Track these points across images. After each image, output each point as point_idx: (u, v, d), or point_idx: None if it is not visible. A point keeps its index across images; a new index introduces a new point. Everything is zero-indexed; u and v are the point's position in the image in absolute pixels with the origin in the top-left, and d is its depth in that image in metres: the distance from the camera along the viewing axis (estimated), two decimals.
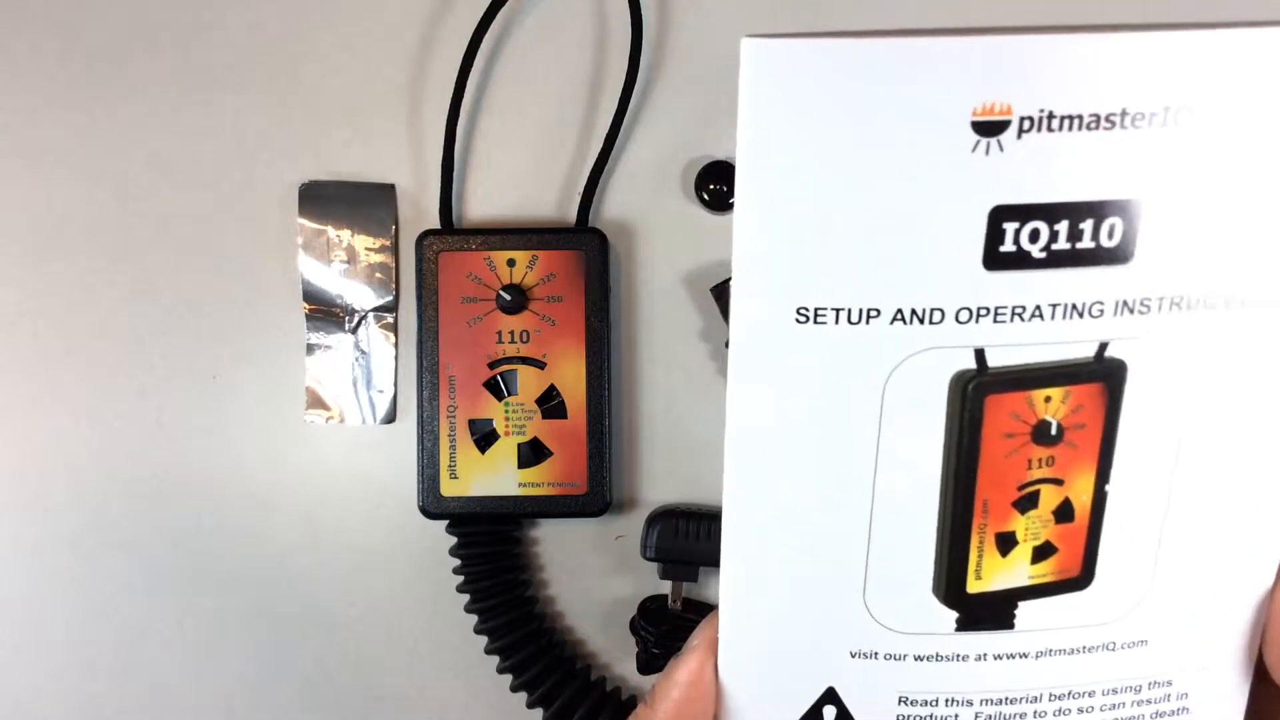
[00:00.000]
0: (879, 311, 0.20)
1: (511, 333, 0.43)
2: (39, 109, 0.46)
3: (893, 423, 0.21)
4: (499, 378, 0.43)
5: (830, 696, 0.23)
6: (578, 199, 0.45)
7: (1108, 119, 0.18)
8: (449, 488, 0.43)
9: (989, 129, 0.18)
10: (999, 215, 0.19)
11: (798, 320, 0.20)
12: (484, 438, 0.43)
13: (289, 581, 0.46)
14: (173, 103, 0.46)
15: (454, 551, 0.44)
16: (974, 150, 0.18)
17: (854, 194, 0.19)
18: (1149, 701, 0.23)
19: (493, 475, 0.43)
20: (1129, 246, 0.19)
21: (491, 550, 0.44)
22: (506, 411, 0.43)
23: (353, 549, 0.46)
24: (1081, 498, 0.22)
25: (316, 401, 0.46)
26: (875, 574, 0.22)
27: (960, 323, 0.20)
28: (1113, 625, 0.23)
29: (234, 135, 0.46)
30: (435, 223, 0.44)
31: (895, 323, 0.20)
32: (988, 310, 0.20)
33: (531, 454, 0.43)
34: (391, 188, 0.46)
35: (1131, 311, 0.20)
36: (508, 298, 0.42)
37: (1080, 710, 0.23)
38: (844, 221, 0.19)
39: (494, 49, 0.45)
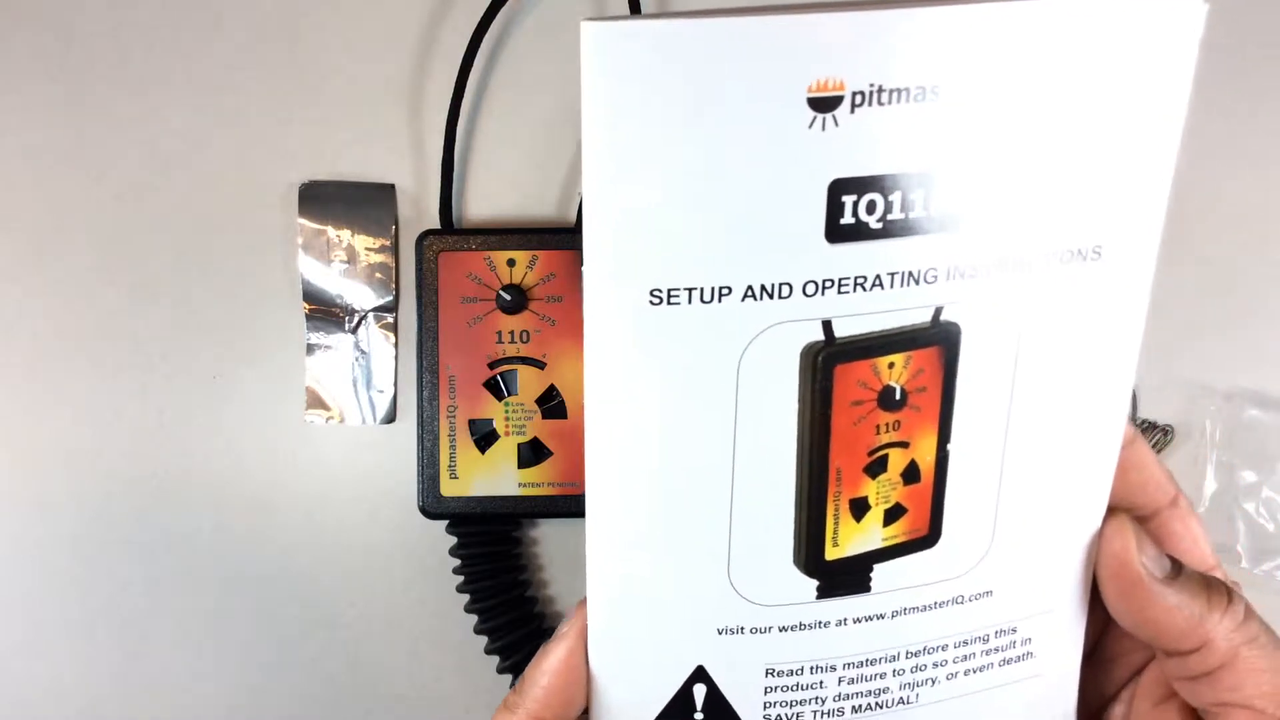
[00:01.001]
0: (730, 289, 0.20)
1: (511, 332, 0.43)
2: (39, 109, 0.46)
3: (748, 399, 0.21)
4: (499, 378, 0.43)
5: (700, 675, 0.24)
6: (578, 199, 0.45)
7: (934, 90, 0.19)
8: (449, 488, 0.43)
9: (824, 104, 0.18)
10: (837, 189, 0.19)
11: (652, 302, 0.20)
12: (484, 438, 0.43)
13: (289, 581, 0.46)
14: (173, 103, 0.46)
15: (454, 551, 0.44)
16: (811, 126, 0.19)
17: (700, 174, 0.19)
18: (997, 650, 0.24)
19: (493, 475, 0.43)
20: (958, 214, 0.20)
21: (491, 550, 0.44)
22: (506, 411, 0.43)
23: (353, 549, 0.46)
24: (926, 458, 0.22)
25: (316, 401, 0.46)
26: (738, 550, 0.22)
27: (807, 296, 0.20)
28: (960, 579, 0.24)
29: (234, 135, 0.46)
30: (435, 223, 0.44)
31: (746, 299, 0.20)
32: (832, 282, 0.20)
33: (531, 454, 0.43)
34: (391, 188, 0.46)
35: (963, 276, 0.20)
36: (508, 298, 0.42)
37: (935, 665, 0.24)
38: (692, 202, 0.19)
39: (494, 49, 0.45)
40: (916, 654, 0.24)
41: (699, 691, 0.24)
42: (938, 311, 0.21)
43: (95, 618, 0.46)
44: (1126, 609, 0.23)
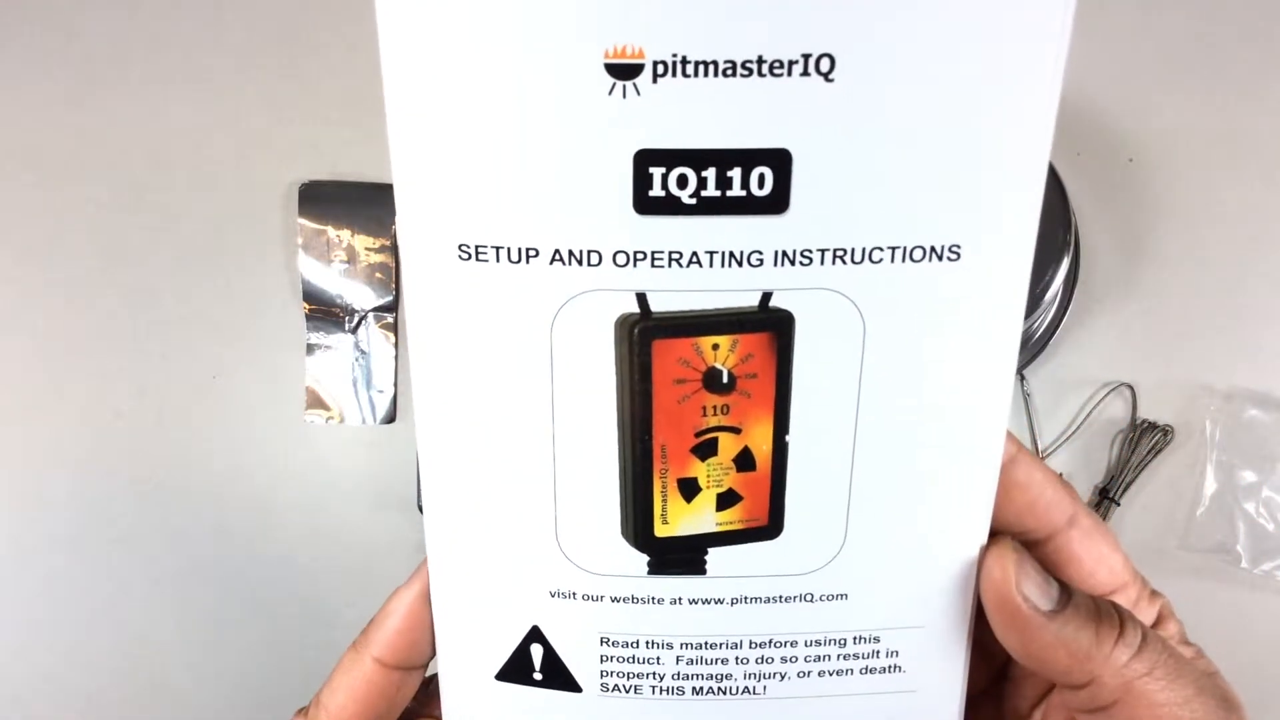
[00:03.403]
0: (537, 251, 0.20)
1: None
2: (39, 109, 0.46)
3: (564, 366, 0.21)
4: None
5: (536, 635, 0.24)
6: None
7: (744, 66, 0.18)
8: None
9: (622, 72, 0.18)
10: (643, 159, 0.19)
11: (461, 257, 0.20)
12: None
13: (289, 581, 0.46)
14: (173, 103, 0.46)
15: None
16: (611, 93, 0.18)
17: (500, 132, 0.19)
18: (856, 656, 0.24)
19: None
20: (783, 197, 0.19)
21: None
22: None
23: (353, 549, 0.46)
24: (762, 447, 0.22)
25: (316, 401, 0.46)
26: (565, 515, 0.22)
27: (619, 266, 0.20)
28: (809, 577, 0.23)
29: (234, 135, 0.46)
30: None
31: (555, 263, 0.20)
32: (645, 255, 0.20)
33: None
34: (391, 188, 0.46)
35: (792, 263, 0.20)
36: None
37: (784, 659, 0.24)
38: (494, 160, 0.19)
39: None
40: (762, 645, 0.24)
41: (536, 651, 0.24)
42: (766, 296, 0.20)
43: (95, 618, 0.46)
44: (1010, 642, 0.22)
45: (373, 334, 0.46)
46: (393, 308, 0.46)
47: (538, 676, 0.24)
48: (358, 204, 0.45)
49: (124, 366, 0.46)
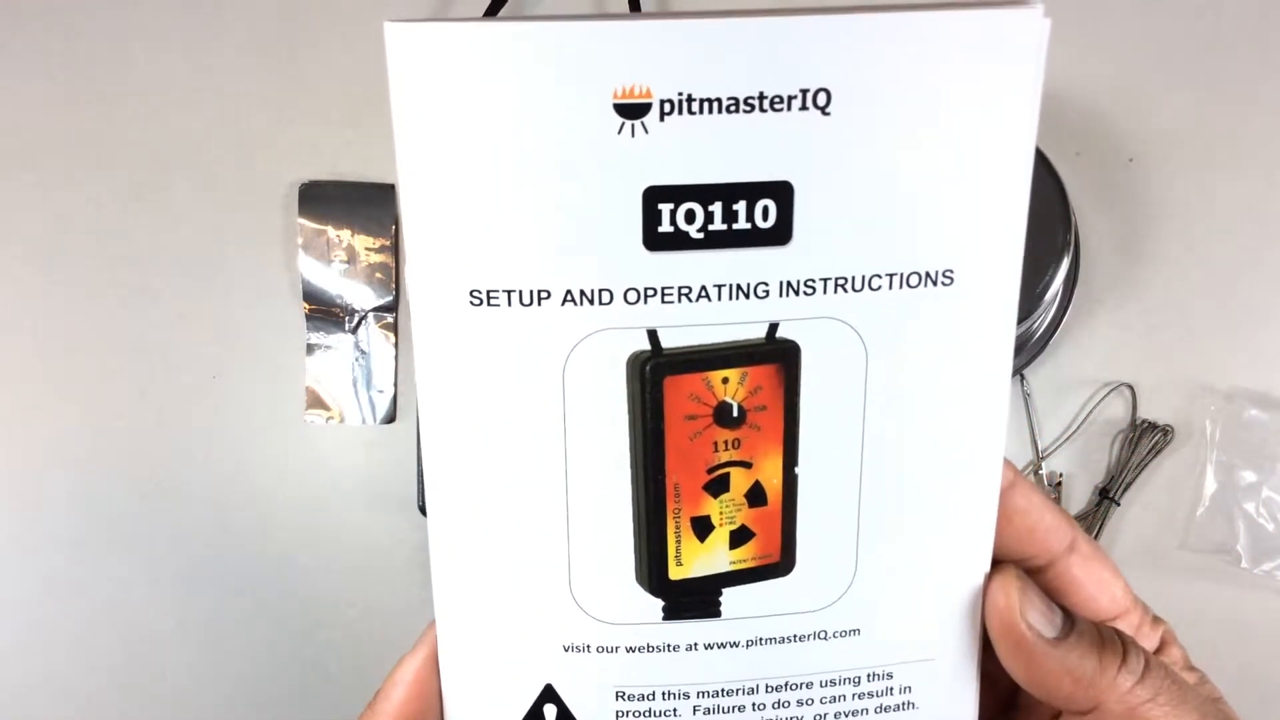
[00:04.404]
0: (549, 293, 0.20)
1: None
2: (39, 109, 0.46)
3: (576, 407, 0.21)
4: None
5: (549, 694, 0.23)
6: None
7: (746, 102, 0.19)
8: None
9: (631, 111, 0.19)
10: (653, 196, 0.19)
11: (472, 303, 0.20)
12: None
13: (289, 581, 0.46)
14: (173, 103, 0.46)
15: None
16: (620, 132, 0.19)
17: (512, 176, 0.19)
18: (871, 694, 0.23)
19: None
20: (785, 228, 0.20)
21: None
22: None
23: (353, 549, 0.46)
24: (772, 481, 0.22)
25: (316, 401, 0.46)
26: (578, 563, 0.22)
27: (629, 303, 0.20)
28: (822, 613, 0.23)
29: (234, 135, 0.46)
30: None
31: (566, 304, 0.20)
32: (655, 291, 0.20)
33: None
34: (391, 188, 0.46)
35: (797, 293, 0.20)
36: None
37: (799, 702, 0.23)
38: (506, 204, 0.19)
39: None
40: (777, 688, 0.23)
41: (550, 712, 0.23)
42: (773, 327, 0.20)
43: (95, 618, 0.46)
44: (1015, 669, 0.22)
45: (373, 334, 0.46)
46: (393, 308, 0.46)
47: None
48: (358, 204, 0.45)
49: (124, 366, 0.46)
